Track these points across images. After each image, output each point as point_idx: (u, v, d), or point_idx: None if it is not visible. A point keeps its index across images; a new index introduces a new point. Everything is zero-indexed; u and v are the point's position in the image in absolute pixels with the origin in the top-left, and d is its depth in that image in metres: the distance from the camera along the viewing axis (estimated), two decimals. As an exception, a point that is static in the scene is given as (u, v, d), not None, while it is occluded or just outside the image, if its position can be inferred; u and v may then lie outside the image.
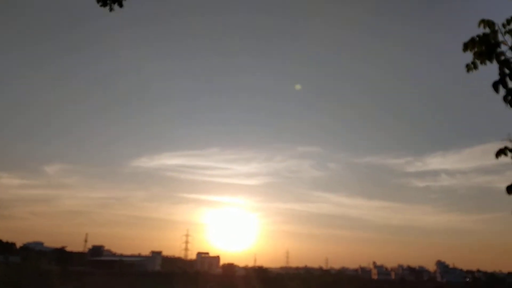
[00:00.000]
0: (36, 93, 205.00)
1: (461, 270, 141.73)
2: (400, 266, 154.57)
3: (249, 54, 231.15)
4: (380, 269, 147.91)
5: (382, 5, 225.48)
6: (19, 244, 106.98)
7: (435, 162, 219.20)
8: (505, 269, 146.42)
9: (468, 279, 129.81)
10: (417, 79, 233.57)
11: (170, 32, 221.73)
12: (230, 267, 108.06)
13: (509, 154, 3.81)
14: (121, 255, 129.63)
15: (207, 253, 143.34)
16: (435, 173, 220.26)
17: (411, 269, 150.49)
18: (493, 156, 3.87)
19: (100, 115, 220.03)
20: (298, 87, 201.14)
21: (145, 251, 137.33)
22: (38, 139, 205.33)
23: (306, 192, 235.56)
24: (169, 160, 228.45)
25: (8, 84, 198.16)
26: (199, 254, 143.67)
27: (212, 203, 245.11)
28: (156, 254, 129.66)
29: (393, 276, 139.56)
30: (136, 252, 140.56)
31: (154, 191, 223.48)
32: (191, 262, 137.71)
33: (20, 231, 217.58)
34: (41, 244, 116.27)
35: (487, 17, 3.99)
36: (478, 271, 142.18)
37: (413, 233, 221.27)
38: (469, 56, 4.09)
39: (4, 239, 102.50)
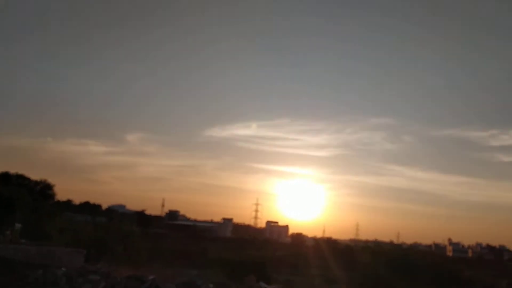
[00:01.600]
0: (118, 67, 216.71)
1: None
2: (479, 245, 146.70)
3: (321, 32, 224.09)
4: (456, 246, 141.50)
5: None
6: (104, 206, 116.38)
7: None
8: None
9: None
10: (505, 44, 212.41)
11: (247, 11, 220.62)
12: (299, 236, 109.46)
13: None
14: (195, 220, 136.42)
15: (276, 222, 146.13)
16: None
17: (490, 248, 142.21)
18: None
19: (176, 87, 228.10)
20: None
21: (217, 218, 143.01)
22: (121, 109, 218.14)
23: (378, 165, 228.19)
24: (240, 131, 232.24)
25: (94, 60, 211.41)
26: (268, 222, 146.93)
27: (281, 174, 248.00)
28: (227, 221, 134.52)
29: (470, 254, 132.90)
30: (208, 218, 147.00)
31: (226, 160, 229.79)
32: (260, 230, 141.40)
33: (106, 194, 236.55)
34: (123, 206, 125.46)
35: None
36: None
37: (494, 211, 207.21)
38: None
39: (92, 201, 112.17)
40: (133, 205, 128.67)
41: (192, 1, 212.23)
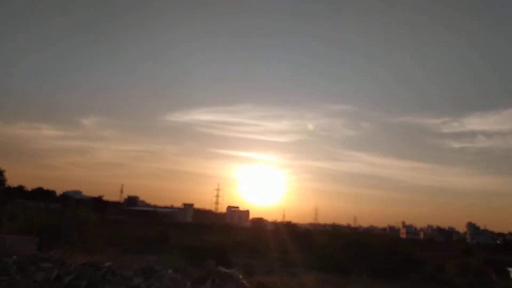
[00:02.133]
0: (75, 50, 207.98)
1: (492, 232, 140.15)
2: (430, 227, 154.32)
3: (285, 14, 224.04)
4: (409, 228, 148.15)
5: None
6: (58, 192, 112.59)
7: (473, 122, 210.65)
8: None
9: (498, 241, 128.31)
10: (458, 36, 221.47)
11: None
12: (259, 221, 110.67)
13: None
14: (155, 206, 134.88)
15: (237, 207, 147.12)
16: (472, 134, 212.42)
17: (440, 230, 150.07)
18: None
19: (135, 69, 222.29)
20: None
21: (178, 203, 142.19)
22: (76, 92, 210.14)
23: (337, 151, 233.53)
24: (201, 116, 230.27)
25: (47, 40, 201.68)
26: (229, 207, 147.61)
27: (243, 159, 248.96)
28: (188, 207, 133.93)
29: (422, 235, 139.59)
30: (169, 203, 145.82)
31: (187, 145, 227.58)
32: (221, 215, 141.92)
33: (60, 180, 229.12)
34: (79, 193, 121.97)
35: None
36: (510, 233, 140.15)
37: (445, 194, 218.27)
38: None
39: (45, 187, 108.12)
40: (89, 191, 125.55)
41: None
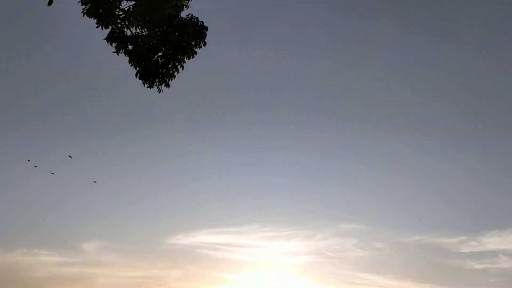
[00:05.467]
0: (76, 171, 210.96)
1: None
2: None
3: (289, 134, 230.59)
4: None
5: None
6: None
7: (492, 241, 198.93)
8: None
9: None
10: (470, 155, 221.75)
11: (207, 106, 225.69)
12: None
13: None
14: None
15: None
16: (493, 254, 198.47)
17: None
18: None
19: (137, 192, 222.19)
20: None
21: None
22: (79, 216, 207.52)
23: (351, 274, 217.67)
24: (206, 238, 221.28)
25: (51, 164, 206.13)
26: None
27: (250, 283, 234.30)
28: None
29: None
30: None
31: (190, 270, 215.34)
32: None
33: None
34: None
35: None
36: None
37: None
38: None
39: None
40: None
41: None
